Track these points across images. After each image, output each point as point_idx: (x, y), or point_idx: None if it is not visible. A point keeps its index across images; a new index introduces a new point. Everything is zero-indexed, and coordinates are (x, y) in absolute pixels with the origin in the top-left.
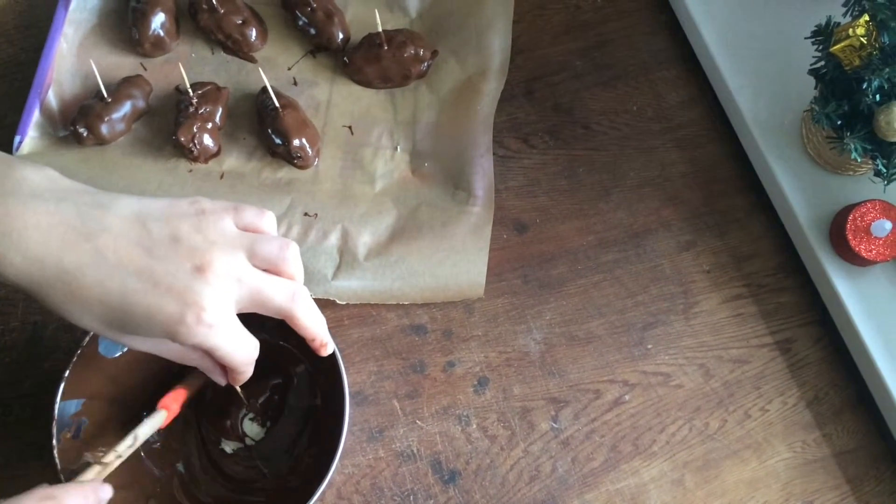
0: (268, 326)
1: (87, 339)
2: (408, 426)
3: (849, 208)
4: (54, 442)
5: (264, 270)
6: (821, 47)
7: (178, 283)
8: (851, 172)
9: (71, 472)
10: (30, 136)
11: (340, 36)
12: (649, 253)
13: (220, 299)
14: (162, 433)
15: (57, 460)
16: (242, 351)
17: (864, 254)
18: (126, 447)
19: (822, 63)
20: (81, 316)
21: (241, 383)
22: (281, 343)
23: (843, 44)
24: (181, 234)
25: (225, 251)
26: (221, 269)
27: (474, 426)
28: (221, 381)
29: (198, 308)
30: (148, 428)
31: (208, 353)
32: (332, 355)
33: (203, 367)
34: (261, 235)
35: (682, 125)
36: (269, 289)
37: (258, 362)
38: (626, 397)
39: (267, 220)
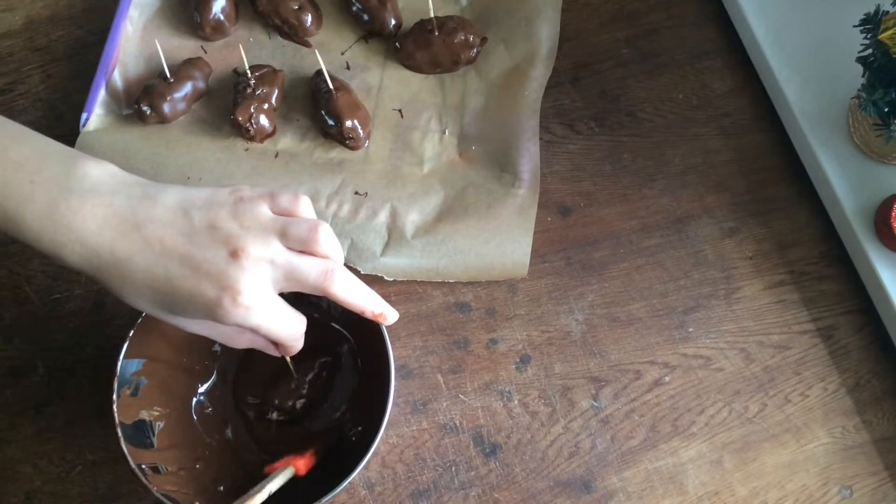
0: (322, 307)
1: None
2: (451, 400)
3: (894, 197)
4: (114, 396)
5: (300, 252)
6: (869, 35)
7: (215, 269)
8: None
9: (127, 427)
10: (96, 114)
11: (392, 22)
12: (692, 238)
13: (255, 282)
14: (214, 401)
15: (116, 414)
16: (285, 327)
17: None
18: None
19: (870, 51)
20: (135, 298)
21: (292, 354)
22: (332, 324)
23: (891, 31)
24: (219, 221)
25: (258, 236)
26: (255, 253)
27: (516, 402)
28: (275, 353)
29: (233, 292)
30: (279, 482)
31: (255, 332)
32: (379, 330)
33: (256, 345)
34: (293, 219)
35: (728, 113)
36: (303, 268)
37: (309, 340)
38: (666, 379)
39: (302, 204)
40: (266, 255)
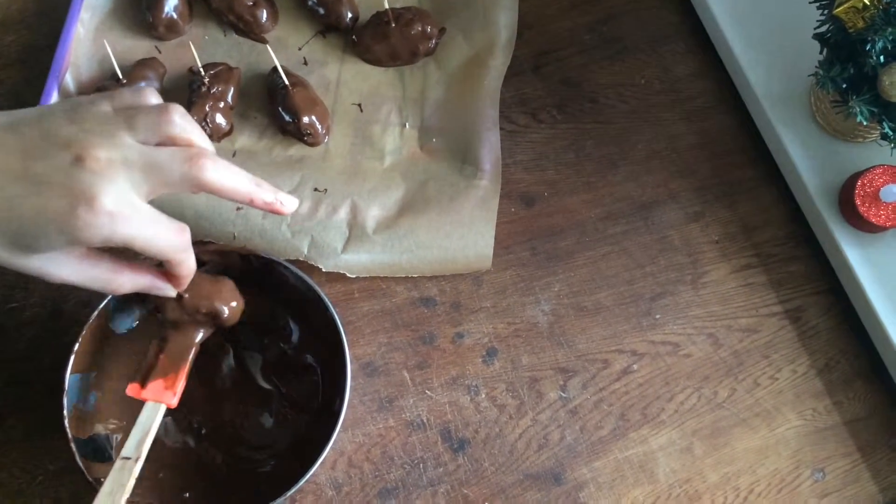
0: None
1: (95, 313)
2: (417, 396)
3: (857, 175)
4: (65, 412)
5: (158, 145)
6: (825, 10)
7: (58, 178)
8: (861, 139)
9: (83, 441)
10: None
11: (349, 15)
12: (658, 224)
13: (111, 186)
14: (172, 408)
15: (67, 429)
16: (163, 236)
17: (873, 219)
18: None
19: (827, 26)
20: None
21: (185, 281)
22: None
23: (846, 6)
24: (54, 128)
25: (102, 134)
26: (103, 154)
27: (483, 396)
28: (171, 293)
29: (87, 198)
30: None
31: (129, 251)
32: (336, 330)
33: (140, 285)
34: (138, 108)
35: (691, 97)
36: (163, 160)
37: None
38: (635, 367)
39: (148, 94)
40: (116, 155)
